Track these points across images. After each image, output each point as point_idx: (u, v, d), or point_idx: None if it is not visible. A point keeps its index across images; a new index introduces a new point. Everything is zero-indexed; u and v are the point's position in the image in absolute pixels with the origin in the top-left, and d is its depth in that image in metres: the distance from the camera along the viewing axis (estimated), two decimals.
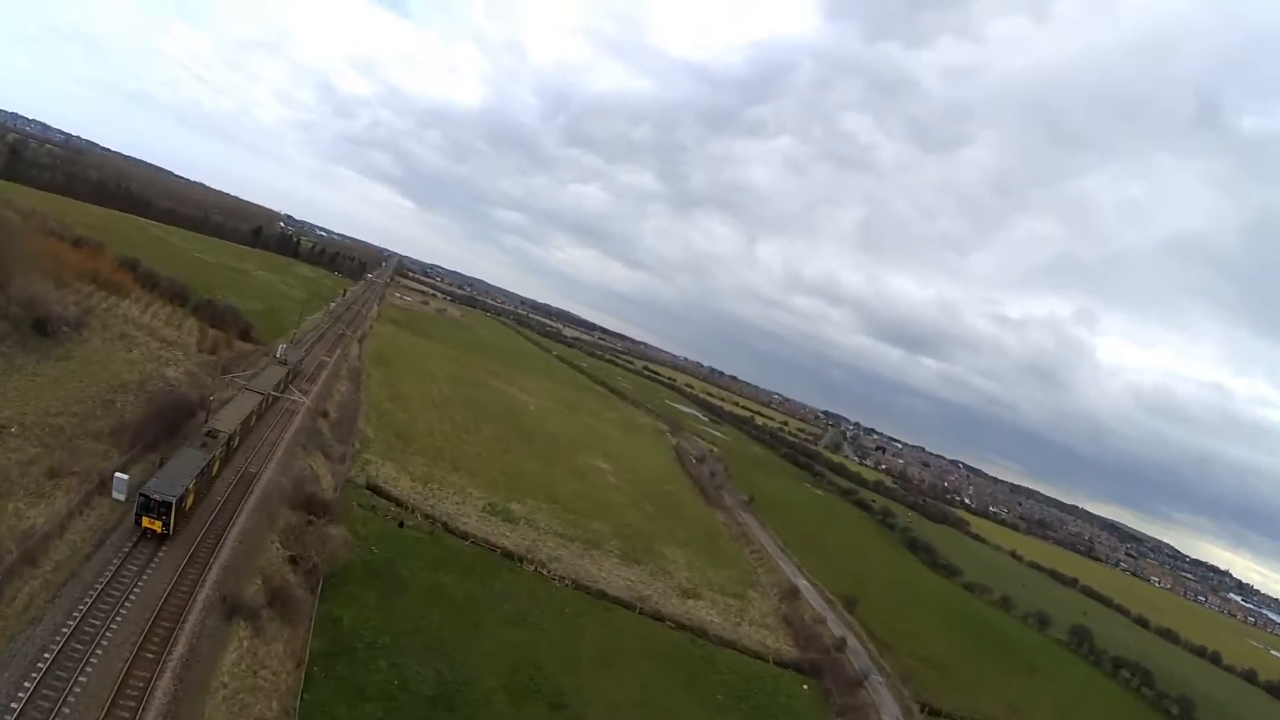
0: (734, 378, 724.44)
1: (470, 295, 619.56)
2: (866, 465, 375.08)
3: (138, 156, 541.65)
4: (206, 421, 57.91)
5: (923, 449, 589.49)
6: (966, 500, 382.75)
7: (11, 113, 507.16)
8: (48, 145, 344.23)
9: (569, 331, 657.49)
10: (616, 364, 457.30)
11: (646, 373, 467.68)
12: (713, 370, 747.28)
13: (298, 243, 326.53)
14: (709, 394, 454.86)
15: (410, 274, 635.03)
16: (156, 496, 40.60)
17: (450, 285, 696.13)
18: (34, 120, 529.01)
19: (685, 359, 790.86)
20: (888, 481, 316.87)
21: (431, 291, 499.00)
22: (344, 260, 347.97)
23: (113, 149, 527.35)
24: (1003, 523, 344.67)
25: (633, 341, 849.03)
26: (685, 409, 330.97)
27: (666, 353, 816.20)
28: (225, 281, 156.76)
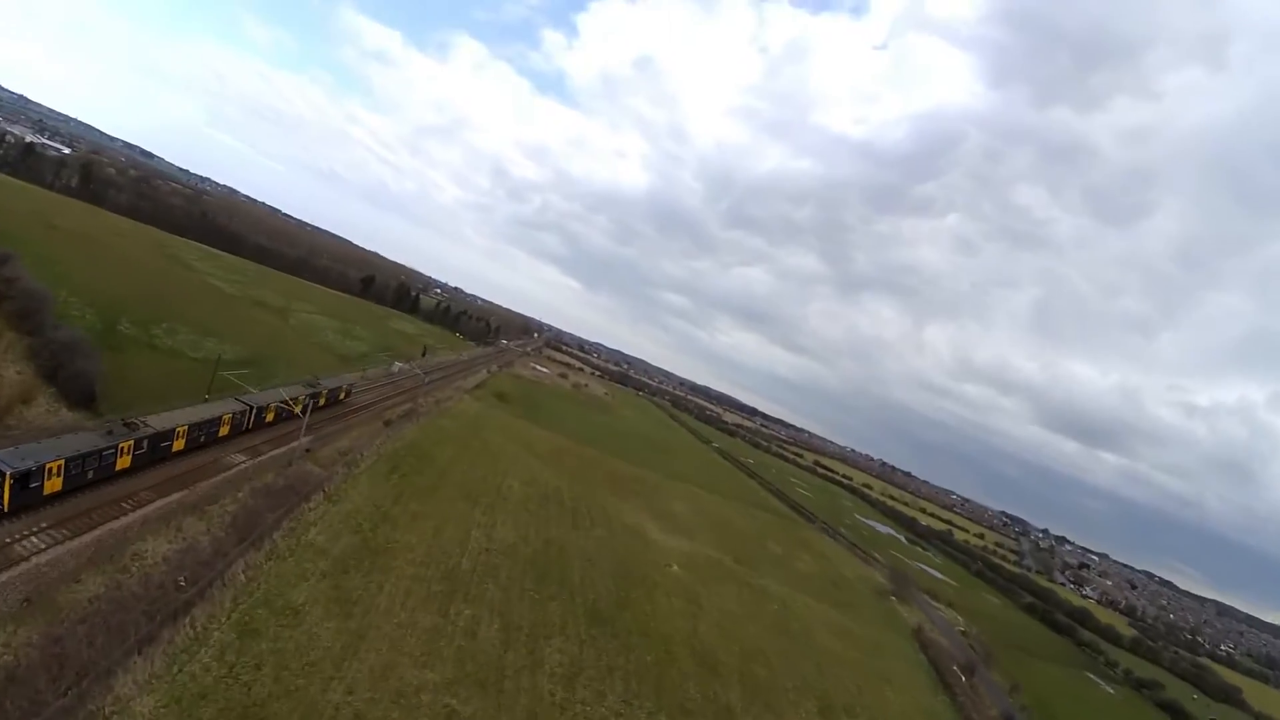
0: (909, 474, 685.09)
1: (624, 373, 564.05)
2: (1088, 597, 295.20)
3: (318, 224, 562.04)
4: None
5: (1107, 556, 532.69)
6: (1212, 647, 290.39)
7: (203, 176, 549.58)
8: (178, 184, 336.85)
9: (729, 417, 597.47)
10: (785, 458, 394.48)
11: (819, 470, 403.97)
12: (883, 464, 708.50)
13: (416, 298, 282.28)
14: (890, 497, 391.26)
15: (565, 347, 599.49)
16: None
17: (606, 362, 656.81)
18: (225, 185, 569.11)
19: (852, 450, 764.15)
20: (1123, 627, 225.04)
21: (580, 365, 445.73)
22: (471, 321, 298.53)
23: (296, 215, 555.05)
24: (1249, 672, 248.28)
25: (795, 429, 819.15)
26: (880, 527, 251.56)
27: (832, 443, 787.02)
28: (220, 315, 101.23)
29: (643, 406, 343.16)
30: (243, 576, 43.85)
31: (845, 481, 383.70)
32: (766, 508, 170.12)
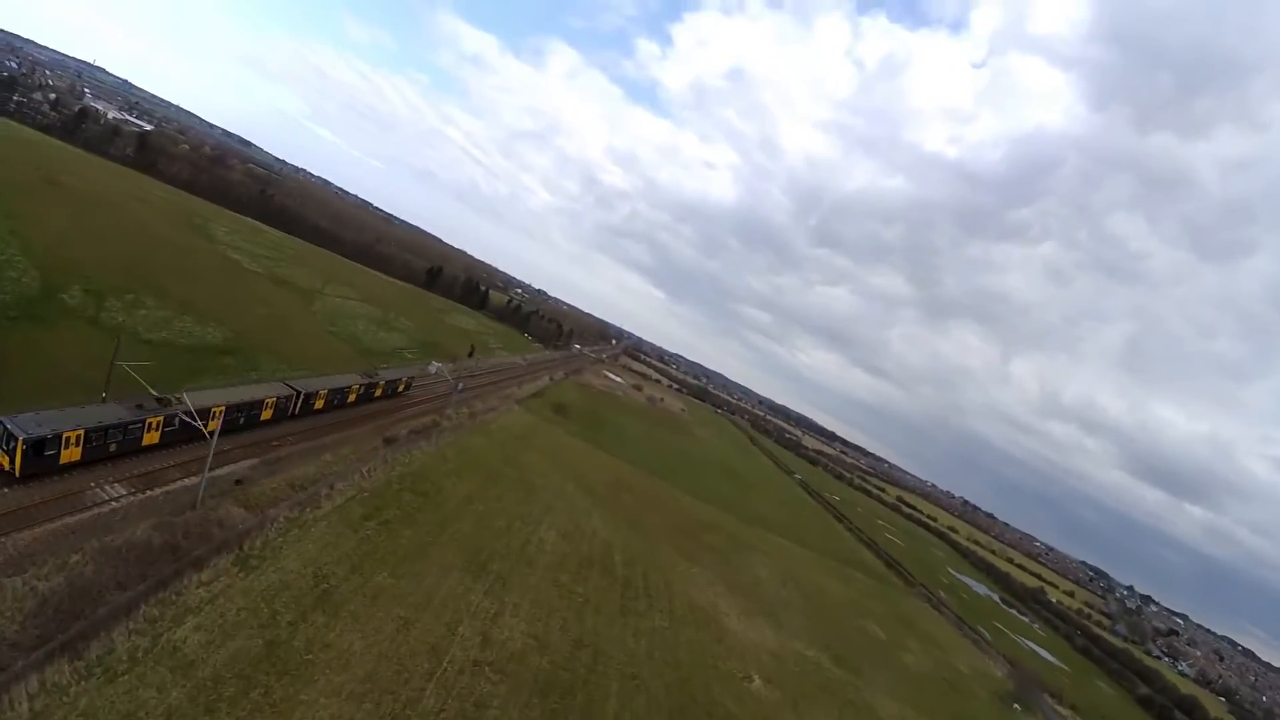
0: (990, 516, 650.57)
1: (703, 387, 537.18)
2: (1184, 675, 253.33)
3: (401, 216, 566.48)
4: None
5: (1187, 617, 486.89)
6: None
7: (298, 166, 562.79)
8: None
9: (809, 441, 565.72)
10: (868, 492, 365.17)
11: (903, 508, 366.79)
12: (965, 503, 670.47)
13: (485, 293, 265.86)
14: (976, 543, 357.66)
15: (643, 357, 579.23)
16: (8, 426, 37.34)
17: (685, 375, 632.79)
18: (319, 177, 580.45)
19: (933, 485, 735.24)
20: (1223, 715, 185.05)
21: (657, 377, 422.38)
22: (541, 322, 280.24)
23: (387, 210, 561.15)
24: None
25: (874, 458, 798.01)
26: (976, 586, 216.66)
27: (911, 475, 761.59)
28: (220, 293, 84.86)
29: (721, 427, 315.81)
30: None
31: (931, 523, 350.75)
32: (860, 564, 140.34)
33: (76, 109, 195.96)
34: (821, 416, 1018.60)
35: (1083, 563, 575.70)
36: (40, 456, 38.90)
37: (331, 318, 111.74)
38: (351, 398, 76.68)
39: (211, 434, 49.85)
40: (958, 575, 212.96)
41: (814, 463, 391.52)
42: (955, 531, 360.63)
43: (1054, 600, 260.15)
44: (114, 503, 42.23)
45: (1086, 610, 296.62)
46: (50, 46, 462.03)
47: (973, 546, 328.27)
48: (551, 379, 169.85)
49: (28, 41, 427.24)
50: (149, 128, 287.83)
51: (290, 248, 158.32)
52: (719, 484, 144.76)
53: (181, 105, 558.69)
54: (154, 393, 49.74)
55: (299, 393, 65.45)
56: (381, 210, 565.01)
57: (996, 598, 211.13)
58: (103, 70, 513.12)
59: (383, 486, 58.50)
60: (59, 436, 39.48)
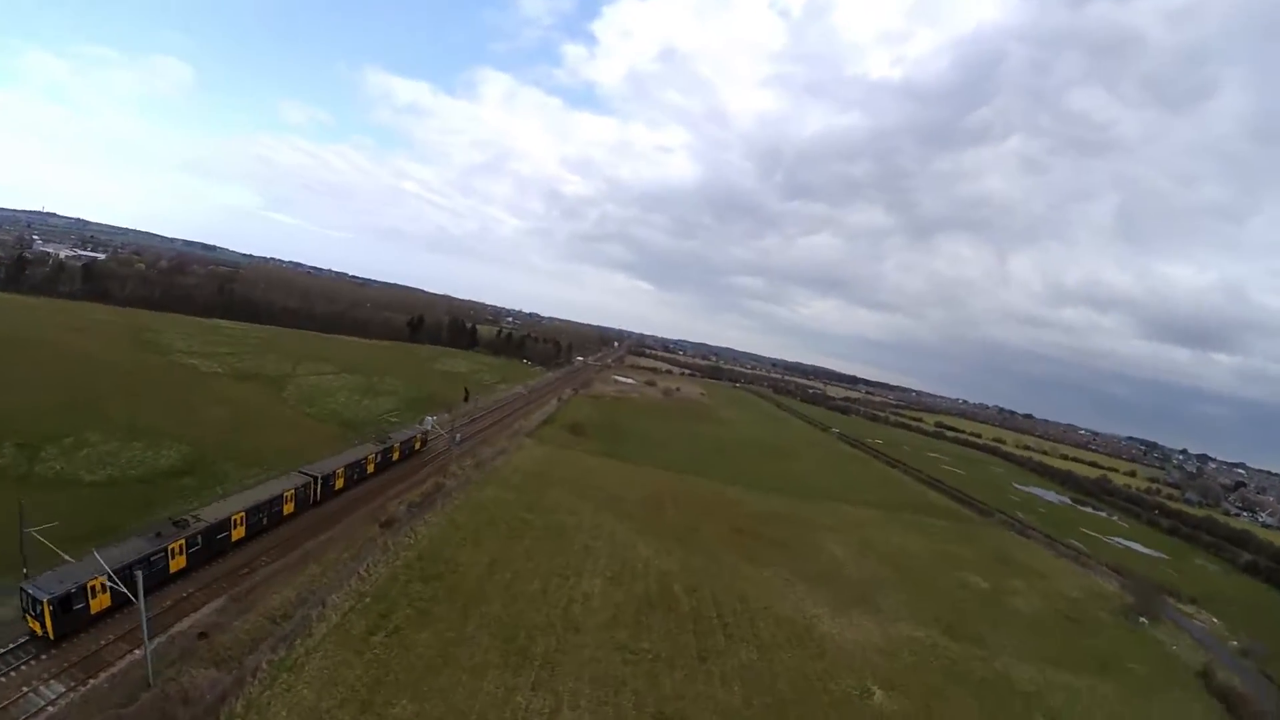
0: (1028, 416, 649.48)
1: (714, 365, 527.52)
2: (1269, 526, 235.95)
3: (379, 279, 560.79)
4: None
5: (1244, 465, 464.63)
6: None
7: (267, 256, 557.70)
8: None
9: (834, 391, 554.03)
10: (907, 426, 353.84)
11: (946, 433, 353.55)
12: (1000, 410, 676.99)
13: (473, 330, 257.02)
14: (1027, 448, 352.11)
15: (648, 351, 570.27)
16: (30, 591, 37.21)
17: (693, 358, 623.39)
18: (290, 261, 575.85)
19: (964, 401, 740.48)
20: None
21: (666, 368, 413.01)
22: (537, 344, 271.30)
23: (363, 276, 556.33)
24: None
25: (902, 390, 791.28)
26: (1044, 493, 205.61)
27: (941, 397, 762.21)
28: (175, 406, 79.14)
29: (745, 401, 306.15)
30: None
31: (977, 441, 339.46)
32: (930, 508, 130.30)
33: (15, 256, 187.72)
34: (837, 363, 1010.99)
35: (1129, 439, 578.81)
36: (69, 613, 38.15)
37: (308, 399, 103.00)
38: (370, 468, 76.16)
39: (237, 544, 52.22)
40: (1024, 488, 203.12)
41: (846, 411, 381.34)
42: (1003, 443, 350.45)
43: (1121, 485, 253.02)
44: (50, 708, 33.47)
45: (1154, 487, 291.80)
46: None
47: (1025, 453, 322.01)
48: (560, 400, 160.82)
49: None
50: (101, 257, 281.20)
51: (256, 337, 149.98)
52: (761, 464, 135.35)
53: (138, 228, 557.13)
54: (170, 517, 49.05)
55: (317, 478, 64.55)
56: (357, 277, 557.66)
57: (1068, 500, 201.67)
58: (54, 215, 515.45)
59: (386, 583, 49.48)
60: (83, 588, 38.70)
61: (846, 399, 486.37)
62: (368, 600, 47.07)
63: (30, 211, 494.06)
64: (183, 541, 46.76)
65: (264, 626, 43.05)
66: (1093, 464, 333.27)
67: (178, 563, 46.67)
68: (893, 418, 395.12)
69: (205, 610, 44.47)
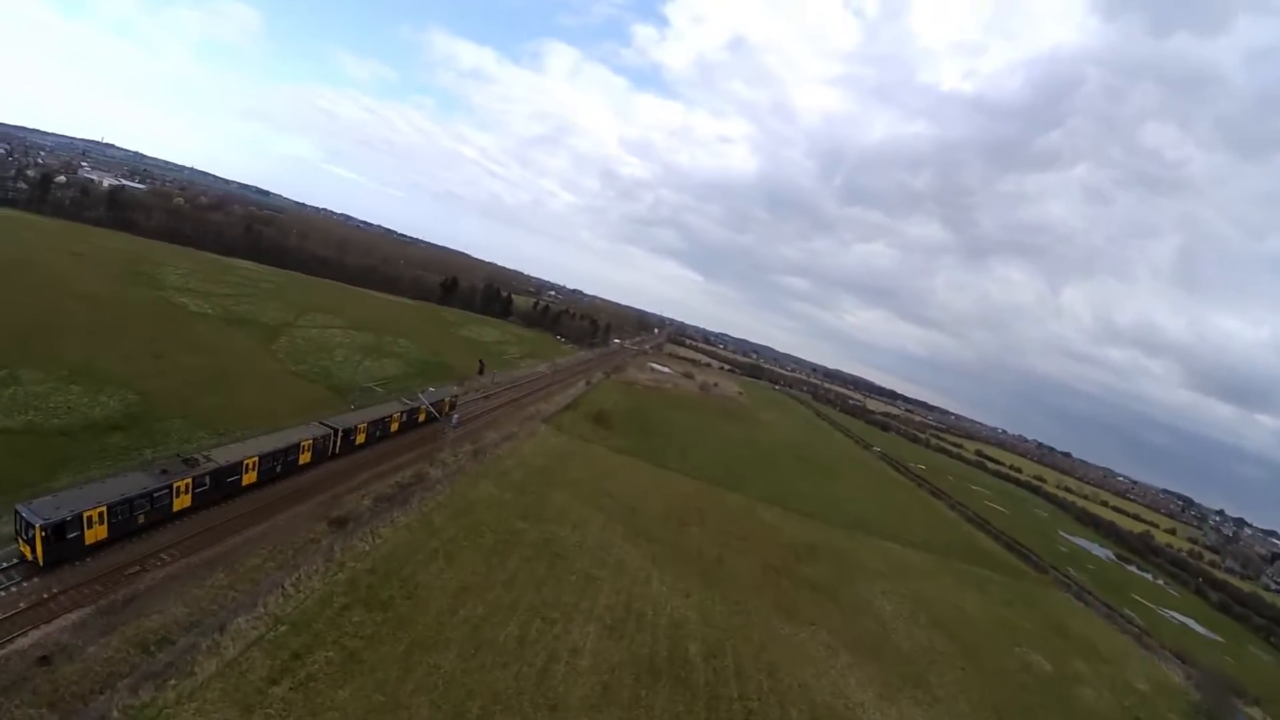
0: (1067, 455, 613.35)
1: (755, 363, 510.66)
2: None
3: (429, 240, 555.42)
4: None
5: (1274, 533, 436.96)
6: None
7: (319, 207, 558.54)
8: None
9: (873, 404, 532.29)
10: (946, 451, 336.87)
11: (987, 464, 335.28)
12: (1039, 445, 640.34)
13: (508, 299, 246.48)
14: (1068, 490, 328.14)
15: (689, 341, 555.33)
16: (24, 514, 35.77)
17: (734, 353, 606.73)
18: (341, 214, 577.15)
19: (1003, 431, 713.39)
20: None
21: (706, 360, 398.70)
22: (574, 320, 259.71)
23: (413, 235, 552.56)
24: None
25: (940, 411, 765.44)
26: (1089, 546, 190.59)
27: (979, 424, 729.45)
28: (144, 347, 70.85)
29: (783, 405, 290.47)
30: None
31: (1018, 476, 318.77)
32: (984, 558, 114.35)
33: (39, 177, 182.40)
34: (877, 375, 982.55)
35: (1165, 491, 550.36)
36: (63, 541, 36.63)
37: (299, 355, 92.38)
38: (394, 427, 73.56)
39: (248, 488, 50.38)
40: (1070, 538, 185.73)
41: (885, 428, 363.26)
42: (1043, 481, 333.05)
43: (1164, 545, 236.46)
44: None
45: (1195, 550, 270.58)
46: (57, 132, 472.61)
47: (1066, 495, 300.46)
48: (588, 383, 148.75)
49: (32, 131, 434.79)
50: (141, 187, 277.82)
51: (269, 281, 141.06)
52: (798, 479, 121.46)
53: (196, 167, 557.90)
54: (179, 454, 47.32)
55: (337, 430, 62.42)
56: (405, 236, 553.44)
57: (1113, 556, 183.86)
58: (112, 146, 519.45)
59: (316, 607, 37.91)
60: (79, 517, 37.27)
61: (886, 414, 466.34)
62: (283, 630, 35.58)
63: (89, 140, 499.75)
64: (189, 480, 44.80)
65: (128, 656, 31.78)
66: (1135, 516, 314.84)
67: (182, 502, 44.64)
68: (933, 440, 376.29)
69: (61, 623, 33.32)
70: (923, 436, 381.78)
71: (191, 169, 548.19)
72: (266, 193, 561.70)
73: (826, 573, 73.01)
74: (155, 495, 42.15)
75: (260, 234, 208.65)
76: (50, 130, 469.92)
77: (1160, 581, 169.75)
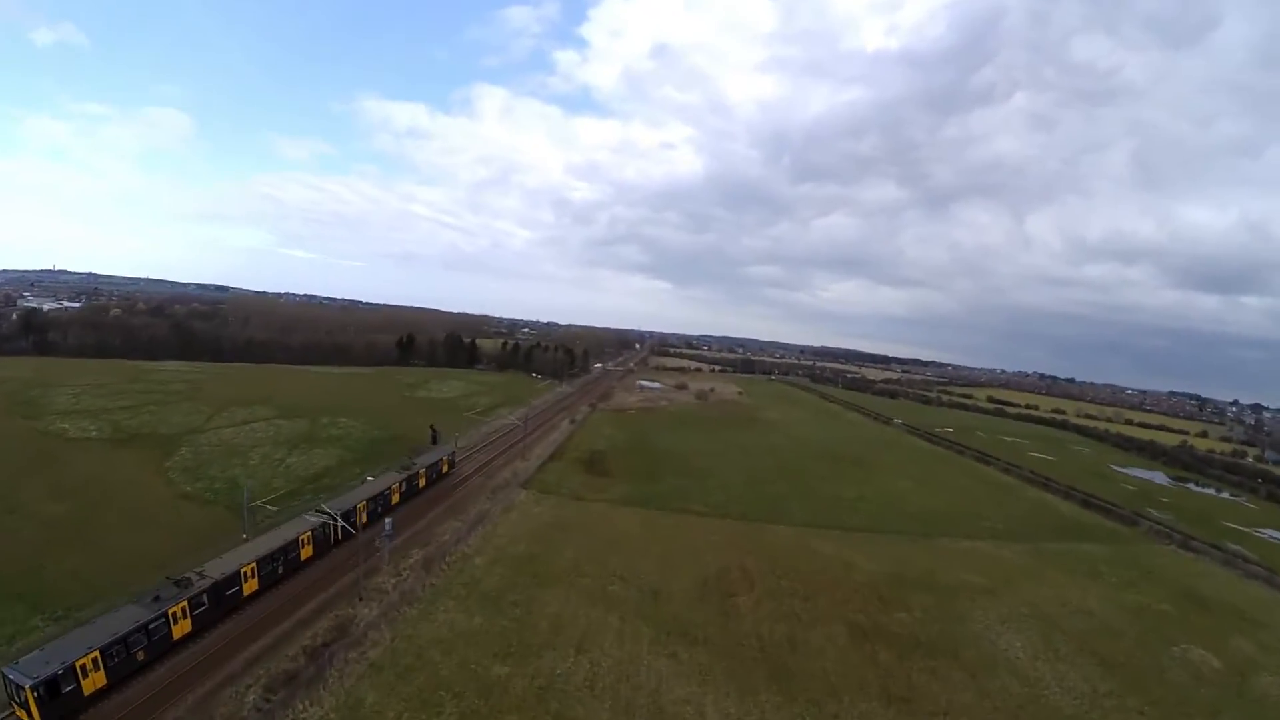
0: (1071, 380, 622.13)
1: (745, 357, 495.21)
2: None
3: (396, 303, 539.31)
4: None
5: None
6: None
7: (281, 292, 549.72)
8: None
9: (872, 374, 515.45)
10: (965, 407, 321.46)
11: (1005, 408, 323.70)
12: (1041, 377, 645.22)
13: (472, 344, 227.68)
14: (1089, 416, 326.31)
15: (672, 350, 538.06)
16: (11, 676, 32.22)
17: (720, 352, 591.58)
18: (303, 294, 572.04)
19: (1001, 371, 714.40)
20: None
21: (695, 366, 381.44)
22: (547, 354, 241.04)
23: (377, 301, 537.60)
24: None
25: (936, 366, 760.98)
26: (1142, 473, 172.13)
27: (978, 369, 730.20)
28: None
29: (788, 396, 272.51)
30: None
31: (1039, 415, 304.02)
32: (1071, 528, 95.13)
33: None
34: (865, 344, 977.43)
35: (1171, 393, 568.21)
36: (58, 698, 32.61)
37: (199, 468, 73.18)
38: (395, 499, 70.39)
39: (250, 598, 46.32)
40: (1123, 470, 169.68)
41: (893, 395, 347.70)
42: (1063, 413, 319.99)
43: (1206, 452, 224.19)
44: None
45: (1240, 449, 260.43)
46: (5, 269, 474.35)
47: (1093, 423, 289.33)
48: (573, 420, 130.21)
49: None
50: (75, 306, 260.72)
51: (186, 380, 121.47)
52: (838, 482, 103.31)
53: (151, 276, 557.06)
54: (168, 576, 42.91)
55: (335, 516, 57.82)
56: (370, 304, 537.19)
57: (1167, 479, 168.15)
58: (64, 271, 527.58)
59: None
60: (72, 668, 33.30)
61: (888, 381, 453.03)
62: None
63: (40, 270, 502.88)
64: (185, 603, 41.20)
65: None
66: (1161, 427, 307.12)
67: (181, 628, 41.01)
68: (943, 397, 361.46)
69: None
70: (931, 395, 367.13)
71: (147, 279, 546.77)
72: (225, 288, 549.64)
73: (926, 613, 54.55)
74: (151, 628, 38.68)
75: (190, 330, 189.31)
76: (1, 267, 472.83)
77: (1225, 495, 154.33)
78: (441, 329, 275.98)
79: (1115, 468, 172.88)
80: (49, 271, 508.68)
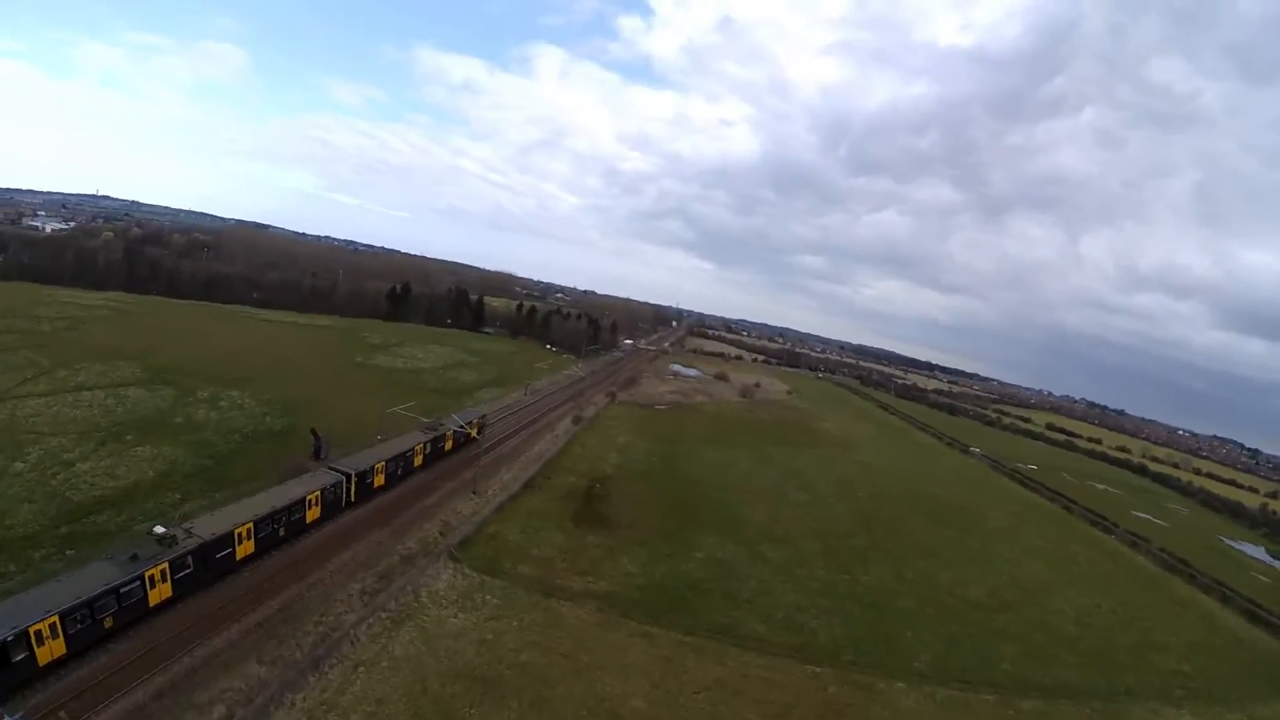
0: (1120, 412, 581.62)
1: (790, 349, 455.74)
2: None
3: (440, 256, 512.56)
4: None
5: None
6: None
7: (321, 235, 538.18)
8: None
9: (920, 381, 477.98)
10: (1032, 435, 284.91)
11: (1075, 440, 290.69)
12: (1090, 405, 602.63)
13: (479, 302, 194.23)
14: (1154, 459, 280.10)
15: (710, 333, 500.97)
16: None
17: (760, 339, 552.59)
18: (344, 239, 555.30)
19: (1048, 393, 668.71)
20: None
21: (736, 353, 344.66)
22: (569, 321, 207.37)
23: (420, 253, 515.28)
24: None
25: (975, 378, 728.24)
26: (1250, 549, 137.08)
27: (1024, 388, 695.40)
28: None
29: (842, 400, 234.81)
30: None
31: (1111, 454, 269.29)
32: (1267, 667, 62.18)
33: None
34: (903, 346, 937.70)
35: (1215, 438, 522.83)
36: (8, 667, 27.79)
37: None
38: (418, 460, 62.10)
39: (245, 560, 40.32)
40: (1232, 544, 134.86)
41: (952, 411, 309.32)
42: (1128, 451, 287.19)
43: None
44: None
45: None
46: (50, 190, 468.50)
47: (1168, 471, 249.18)
48: (578, 419, 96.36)
49: (25, 192, 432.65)
50: (64, 227, 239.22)
51: (69, 316, 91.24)
52: (954, 560, 68.30)
53: (193, 209, 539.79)
54: (150, 532, 37.13)
55: (350, 475, 50.86)
56: (413, 254, 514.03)
57: (1268, 556, 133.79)
58: (107, 197, 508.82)
59: None
60: (24, 634, 28.19)
61: (938, 391, 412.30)
62: None
63: (83, 195, 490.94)
64: (166, 565, 34.92)
65: None
66: (1231, 482, 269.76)
67: (160, 593, 34.89)
68: (1003, 420, 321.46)
69: None
70: (992, 417, 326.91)
71: (188, 211, 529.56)
72: (265, 226, 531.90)
73: None
74: (123, 591, 32.39)
75: (140, 257, 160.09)
76: (43, 189, 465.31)
77: None
78: (468, 283, 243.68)
79: (1224, 540, 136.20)
80: (91, 196, 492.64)
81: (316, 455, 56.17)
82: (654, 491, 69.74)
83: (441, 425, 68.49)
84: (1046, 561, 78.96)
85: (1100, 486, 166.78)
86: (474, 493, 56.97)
